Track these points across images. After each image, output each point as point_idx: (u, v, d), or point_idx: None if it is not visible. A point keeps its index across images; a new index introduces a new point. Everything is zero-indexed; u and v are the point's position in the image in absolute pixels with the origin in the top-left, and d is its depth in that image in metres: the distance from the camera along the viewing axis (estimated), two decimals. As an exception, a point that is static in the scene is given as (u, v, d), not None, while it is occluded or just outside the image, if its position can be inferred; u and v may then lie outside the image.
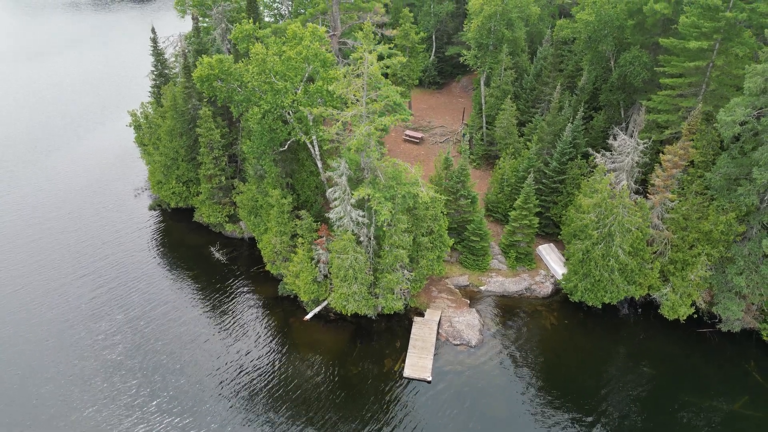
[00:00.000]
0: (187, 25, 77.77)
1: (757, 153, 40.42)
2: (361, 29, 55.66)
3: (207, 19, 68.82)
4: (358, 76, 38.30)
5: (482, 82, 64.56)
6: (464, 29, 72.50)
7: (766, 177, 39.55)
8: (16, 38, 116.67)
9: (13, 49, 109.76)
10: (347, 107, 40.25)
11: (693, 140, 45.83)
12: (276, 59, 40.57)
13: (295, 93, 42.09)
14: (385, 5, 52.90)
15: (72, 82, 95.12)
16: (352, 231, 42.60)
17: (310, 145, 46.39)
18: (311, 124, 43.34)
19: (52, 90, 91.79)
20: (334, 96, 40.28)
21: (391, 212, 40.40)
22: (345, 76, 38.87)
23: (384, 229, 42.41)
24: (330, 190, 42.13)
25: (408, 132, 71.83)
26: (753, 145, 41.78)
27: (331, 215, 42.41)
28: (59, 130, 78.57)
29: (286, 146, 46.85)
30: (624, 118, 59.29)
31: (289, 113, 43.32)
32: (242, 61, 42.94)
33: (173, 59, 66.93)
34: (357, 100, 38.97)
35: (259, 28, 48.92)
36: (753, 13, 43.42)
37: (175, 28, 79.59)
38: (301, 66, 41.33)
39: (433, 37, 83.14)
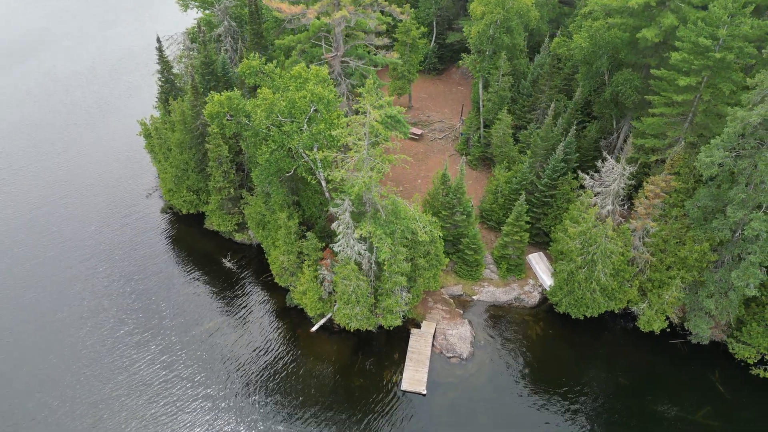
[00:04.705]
0: (188, 16, 78.12)
1: (732, 192, 43.35)
2: (366, 49, 57.37)
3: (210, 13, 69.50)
4: (360, 125, 40.76)
5: (480, 86, 66.09)
6: (464, 14, 72.27)
7: (738, 216, 42.71)
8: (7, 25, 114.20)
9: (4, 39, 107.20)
10: (350, 147, 42.86)
11: (675, 172, 48.67)
12: (282, 103, 42.78)
13: (301, 131, 44.50)
14: (387, 24, 53.86)
15: (67, 75, 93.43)
16: (355, 260, 46.18)
17: (315, 171, 49.12)
18: (316, 160, 45.97)
19: (47, 85, 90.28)
20: (337, 143, 42.81)
21: (391, 248, 43.88)
22: (348, 125, 41.27)
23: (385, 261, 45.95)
24: (335, 224, 45.37)
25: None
26: (729, 184, 44.63)
27: (336, 248, 45.85)
28: (62, 128, 79.36)
29: (292, 171, 49.59)
30: (615, 129, 61.53)
31: (295, 150, 45.90)
32: (251, 99, 45.02)
33: (177, 58, 68.16)
34: (359, 147, 41.55)
35: (265, 58, 50.40)
36: (741, 53, 45.08)
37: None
38: (306, 108, 43.54)
39: (434, 23, 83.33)
